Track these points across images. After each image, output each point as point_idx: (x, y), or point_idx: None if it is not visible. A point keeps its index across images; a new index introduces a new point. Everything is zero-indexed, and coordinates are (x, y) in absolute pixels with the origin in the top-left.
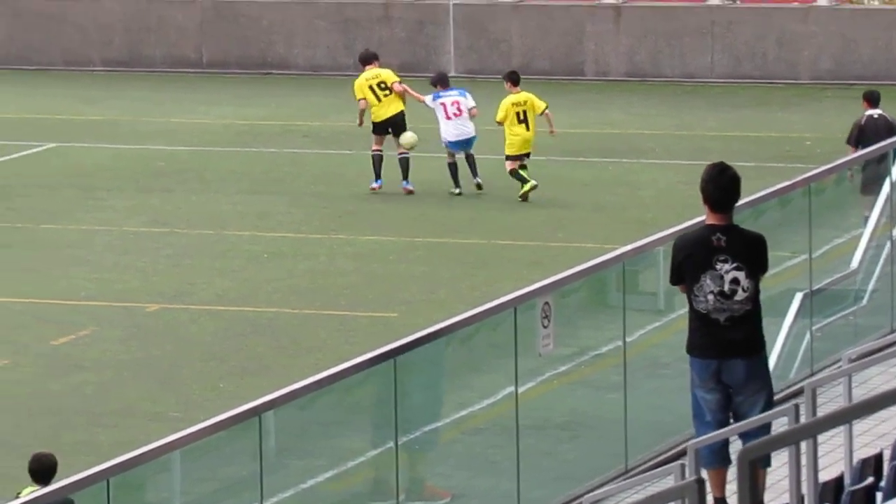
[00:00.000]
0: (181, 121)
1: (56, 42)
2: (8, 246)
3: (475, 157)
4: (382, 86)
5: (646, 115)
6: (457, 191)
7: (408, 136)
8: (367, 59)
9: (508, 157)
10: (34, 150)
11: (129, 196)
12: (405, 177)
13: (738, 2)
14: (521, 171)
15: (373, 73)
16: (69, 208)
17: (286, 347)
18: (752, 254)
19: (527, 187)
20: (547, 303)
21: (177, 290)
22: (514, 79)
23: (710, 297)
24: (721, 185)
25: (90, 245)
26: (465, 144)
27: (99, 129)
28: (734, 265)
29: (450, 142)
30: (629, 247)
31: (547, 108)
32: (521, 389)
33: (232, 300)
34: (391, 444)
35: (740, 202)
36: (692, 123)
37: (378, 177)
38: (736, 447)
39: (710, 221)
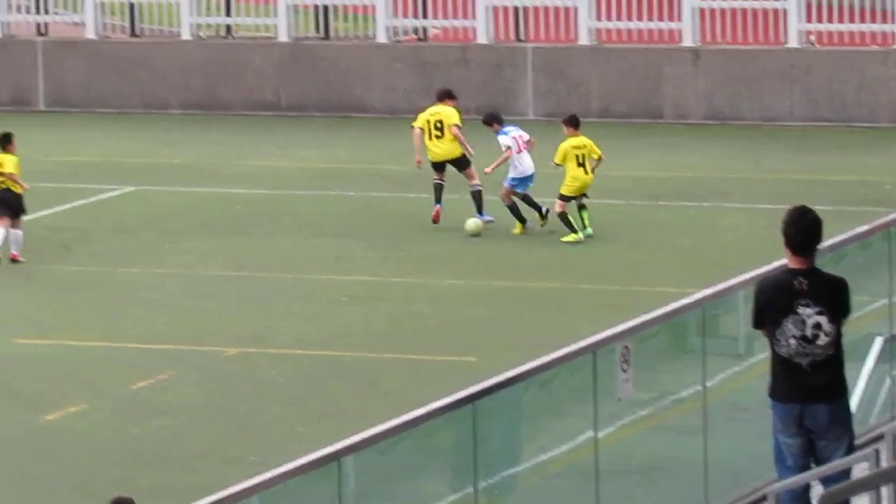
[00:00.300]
0: (259, 164)
1: (135, 85)
2: (86, 289)
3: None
4: (438, 125)
5: (725, 158)
6: (529, 225)
7: (471, 224)
8: (439, 96)
9: (562, 197)
10: (113, 193)
11: (206, 239)
12: (480, 211)
13: (817, 45)
14: (582, 213)
15: (436, 109)
16: (147, 252)
17: (364, 391)
18: (834, 298)
19: (572, 237)
20: (626, 347)
21: (255, 334)
22: (574, 122)
23: (793, 341)
24: (802, 229)
25: (168, 289)
26: (530, 180)
27: (177, 173)
28: (816, 309)
29: (517, 178)
30: (709, 291)
31: (602, 157)
32: (600, 434)
33: (310, 344)
34: (470, 488)
35: (821, 246)
36: (771, 167)
37: (437, 201)
38: (817, 492)
39: (792, 265)
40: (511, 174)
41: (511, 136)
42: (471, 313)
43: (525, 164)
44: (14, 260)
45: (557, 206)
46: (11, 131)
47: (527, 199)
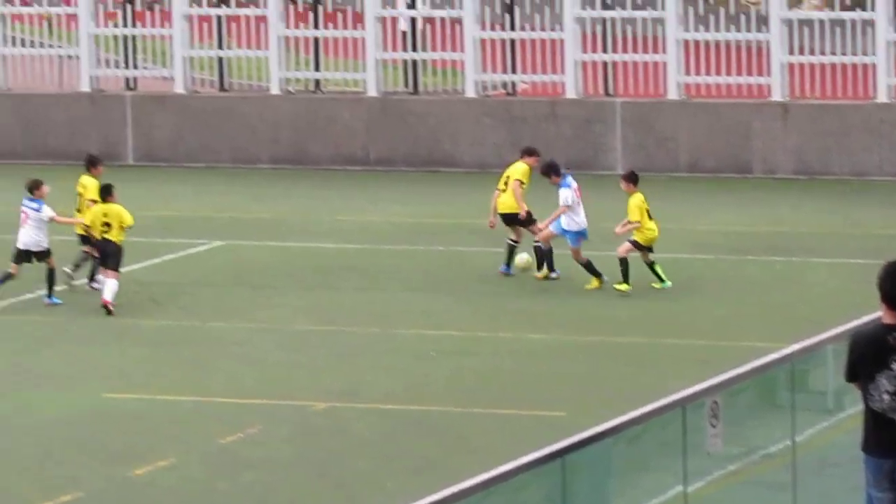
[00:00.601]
0: (348, 218)
1: (224, 140)
2: (175, 344)
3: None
4: (506, 180)
5: (814, 212)
6: (555, 275)
7: (521, 259)
8: (521, 153)
9: (635, 244)
10: (202, 247)
11: (296, 294)
12: (551, 267)
13: None
14: (655, 268)
15: (513, 166)
16: (236, 306)
17: (452, 446)
18: None
19: (625, 287)
20: (715, 402)
21: (344, 388)
22: (636, 179)
23: (886, 396)
24: None
25: (257, 343)
26: (584, 234)
27: (266, 227)
28: None
29: (574, 232)
30: (798, 345)
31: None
32: (689, 488)
33: (398, 398)
34: None
35: None
36: (861, 221)
37: (506, 263)
38: None
39: (887, 320)
40: (571, 228)
41: (573, 188)
42: (559, 368)
43: (581, 217)
44: (105, 307)
45: (624, 250)
46: (111, 183)
47: (542, 254)
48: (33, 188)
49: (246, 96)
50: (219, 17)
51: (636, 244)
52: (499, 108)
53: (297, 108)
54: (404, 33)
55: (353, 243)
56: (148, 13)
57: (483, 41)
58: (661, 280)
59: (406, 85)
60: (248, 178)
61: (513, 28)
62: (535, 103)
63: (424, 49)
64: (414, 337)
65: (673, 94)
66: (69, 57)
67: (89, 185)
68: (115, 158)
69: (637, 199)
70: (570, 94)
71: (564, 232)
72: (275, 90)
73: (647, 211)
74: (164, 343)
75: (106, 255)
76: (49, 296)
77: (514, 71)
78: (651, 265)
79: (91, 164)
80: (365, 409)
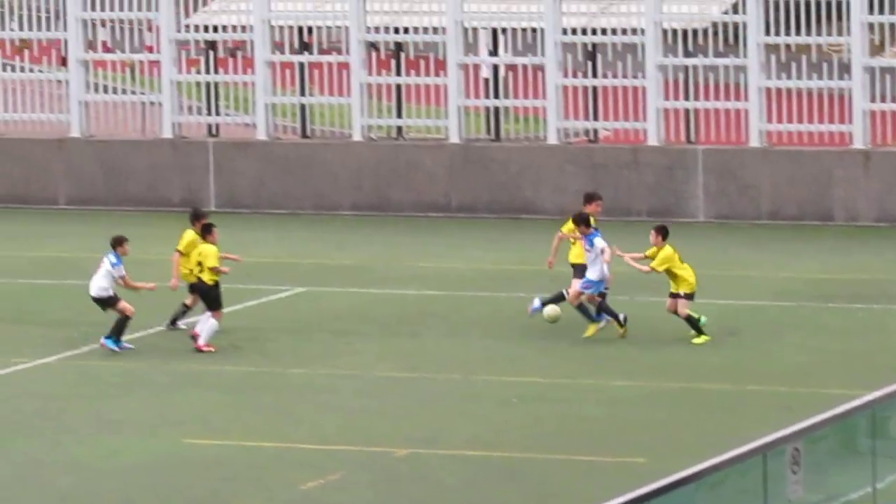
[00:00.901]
0: (430, 265)
1: (305, 186)
2: (257, 389)
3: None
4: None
5: None
6: (603, 322)
7: (552, 310)
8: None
9: (688, 297)
10: (285, 293)
11: (377, 340)
12: (594, 315)
13: None
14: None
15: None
16: (318, 352)
17: (533, 492)
18: None
19: (702, 340)
20: (796, 448)
21: (426, 435)
22: (665, 232)
23: None
24: None
25: (339, 389)
26: (603, 285)
27: (348, 273)
28: None
29: (596, 281)
30: (879, 392)
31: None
32: None
33: (480, 445)
34: None
35: None
36: None
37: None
38: None
39: None
40: (593, 276)
41: (603, 241)
42: (640, 415)
43: (604, 271)
44: (197, 347)
45: (682, 308)
46: (212, 223)
47: (603, 306)
48: (116, 244)
49: (328, 143)
50: (301, 64)
51: (690, 297)
52: (581, 156)
53: (379, 154)
54: (486, 80)
55: (434, 290)
56: (230, 60)
57: (565, 88)
58: (700, 332)
59: (488, 132)
60: (330, 224)
61: (595, 75)
62: (617, 150)
63: (507, 96)
64: (496, 383)
65: (755, 142)
66: (152, 103)
67: (205, 251)
68: (198, 205)
69: (665, 251)
70: (652, 141)
71: (590, 281)
72: (357, 137)
73: (680, 257)
74: (246, 389)
75: (201, 296)
76: (114, 340)
77: (596, 118)
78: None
79: (195, 219)
80: (446, 456)
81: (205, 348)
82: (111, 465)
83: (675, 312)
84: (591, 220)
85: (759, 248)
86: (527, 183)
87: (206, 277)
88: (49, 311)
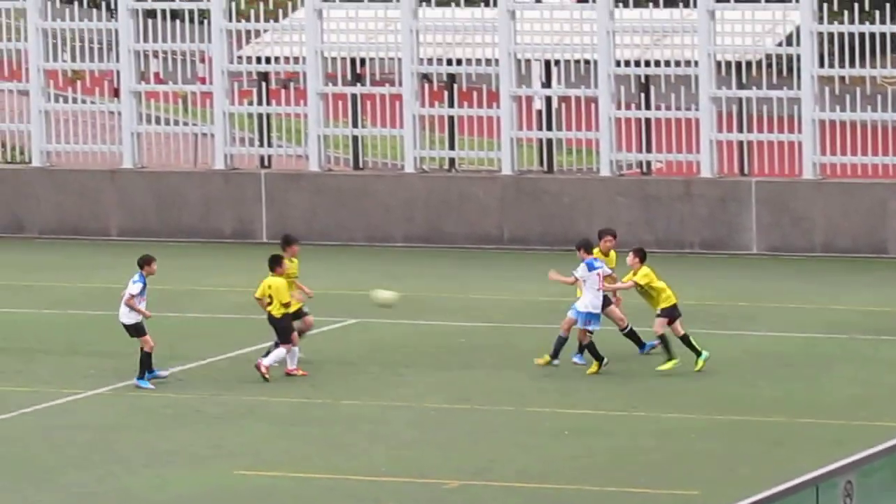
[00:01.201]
0: (481, 297)
1: (358, 218)
2: (308, 422)
3: None
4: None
5: None
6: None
7: (381, 295)
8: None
9: (669, 311)
10: (336, 325)
11: (429, 372)
12: (640, 345)
13: None
14: (691, 340)
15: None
16: (370, 384)
17: None
18: None
19: (669, 366)
20: (849, 482)
21: (477, 467)
22: (643, 255)
23: None
24: None
25: (390, 421)
26: (596, 319)
27: (400, 305)
28: None
29: (597, 315)
30: None
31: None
32: None
33: (532, 477)
34: None
35: None
36: None
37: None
38: None
39: None
40: (586, 309)
41: (597, 272)
42: (694, 447)
43: (597, 302)
44: (288, 373)
45: (658, 326)
46: (279, 254)
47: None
48: (144, 264)
49: (380, 175)
50: (354, 96)
51: (668, 311)
52: (633, 187)
53: (431, 186)
54: (539, 112)
55: (486, 322)
56: (282, 91)
57: (618, 120)
58: (698, 353)
59: (541, 163)
60: (383, 256)
61: (648, 107)
62: (670, 182)
63: (559, 128)
64: (548, 415)
65: (808, 174)
66: (204, 135)
67: (274, 283)
68: (249, 236)
69: (644, 270)
70: (705, 173)
71: (595, 316)
72: (409, 168)
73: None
74: (297, 421)
75: (273, 327)
76: (143, 379)
77: (648, 150)
78: (684, 338)
79: (286, 244)
80: (498, 488)
81: (264, 369)
82: (163, 496)
83: (662, 336)
84: (595, 250)
85: (811, 281)
86: (579, 215)
87: (276, 311)
88: (101, 341)
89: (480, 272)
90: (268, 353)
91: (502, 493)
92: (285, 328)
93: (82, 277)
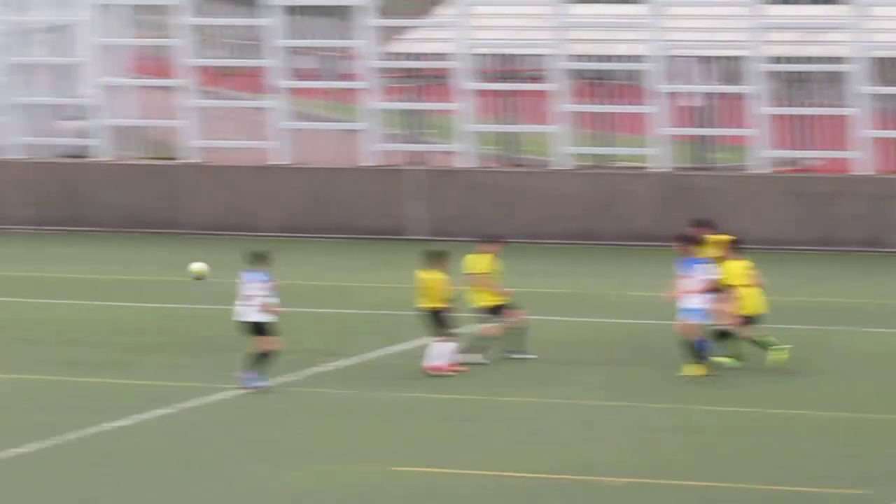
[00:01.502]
0: (639, 294)
1: (512, 214)
2: (467, 418)
3: None
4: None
5: None
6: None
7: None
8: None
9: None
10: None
11: (591, 369)
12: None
13: None
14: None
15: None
16: (530, 380)
17: None
18: None
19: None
20: None
21: (642, 465)
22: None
23: None
24: None
25: (552, 417)
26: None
27: (558, 302)
28: None
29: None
30: None
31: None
32: None
33: (693, 474)
34: None
35: None
36: None
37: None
38: None
39: None
40: (695, 307)
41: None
42: (853, 446)
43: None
44: (431, 368)
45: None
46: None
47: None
48: (267, 261)
49: (533, 171)
50: (505, 92)
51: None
52: (788, 185)
53: (585, 183)
54: (690, 108)
55: (645, 319)
56: (433, 87)
57: (773, 117)
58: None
59: (696, 160)
60: (538, 253)
61: (803, 104)
62: (826, 180)
63: (713, 125)
64: (707, 413)
65: None
66: (354, 131)
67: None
68: (402, 233)
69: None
70: (862, 170)
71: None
72: (563, 165)
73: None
74: (455, 417)
75: (438, 323)
76: (254, 377)
77: (804, 147)
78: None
79: (489, 242)
80: (662, 485)
81: (448, 370)
82: (322, 490)
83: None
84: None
85: None
86: (732, 212)
87: (427, 304)
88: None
89: (635, 269)
90: (435, 353)
91: (666, 490)
92: (437, 324)
93: (231, 274)
